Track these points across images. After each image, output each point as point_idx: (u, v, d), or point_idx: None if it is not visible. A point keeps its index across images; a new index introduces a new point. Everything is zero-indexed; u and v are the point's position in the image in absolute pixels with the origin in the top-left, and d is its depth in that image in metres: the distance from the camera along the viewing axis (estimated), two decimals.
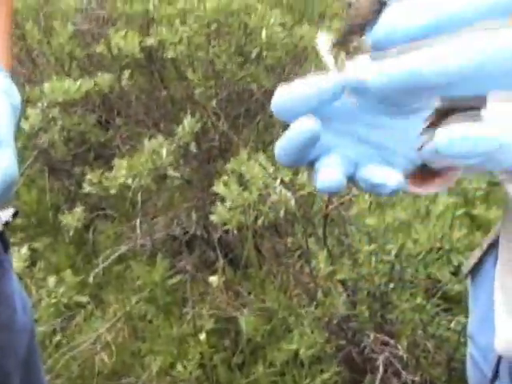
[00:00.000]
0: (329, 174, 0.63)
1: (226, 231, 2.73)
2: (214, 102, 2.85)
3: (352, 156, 0.65)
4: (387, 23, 0.52)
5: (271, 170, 2.30)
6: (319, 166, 0.64)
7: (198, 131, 2.81)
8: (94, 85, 3.00)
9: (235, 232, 2.54)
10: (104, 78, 2.95)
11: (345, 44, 0.59)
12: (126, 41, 2.77)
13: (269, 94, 2.99)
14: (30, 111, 3.06)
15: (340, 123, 0.65)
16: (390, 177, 0.63)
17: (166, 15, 2.86)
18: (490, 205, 2.38)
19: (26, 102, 3.21)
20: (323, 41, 0.63)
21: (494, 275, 0.97)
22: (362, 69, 0.59)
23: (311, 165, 0.65)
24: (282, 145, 0.63)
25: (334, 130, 0.65)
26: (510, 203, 0.89)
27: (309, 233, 2.43)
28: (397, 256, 2.15)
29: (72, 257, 3.16)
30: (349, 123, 0.65)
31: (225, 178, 2.38)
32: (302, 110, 0.61)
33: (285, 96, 0.61)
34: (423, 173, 0.84)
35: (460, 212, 2.26)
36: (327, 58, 0.63)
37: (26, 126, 3.08)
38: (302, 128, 0.61)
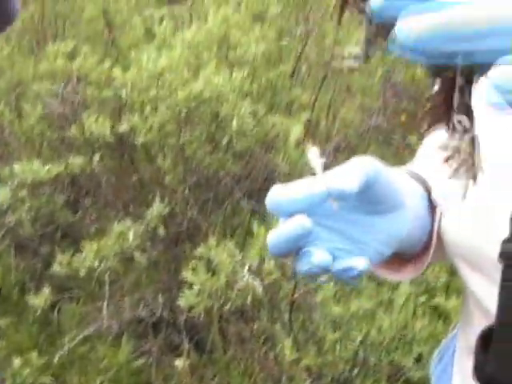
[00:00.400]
0: (319, 255, 0.74)
1: (193, 315, 2.77)
2: (182, 187, 2.91)
3: (332, 247, 0.77)
4: None
5: (239, 256, 2.36)
6: (306, 251, 0.75)
7: (166, 215, 2.87)
8: (65, 168, 3.06)
9: (202, 316, 2.58)
10: (75, 161, 3.01)
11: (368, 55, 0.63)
12: (98, 125, 2.84)
13: (236, 179, 3.07)
14: None
15: (325, 219, 0.77)
16: (358, 261, 0.75)
17: (138, 101, 2.93)
18: (449, 294, 2.45)
19: None
20: (314, 151, 0.76)
21: (453, 361, 1.04)
22: (345, 177, 0.72)
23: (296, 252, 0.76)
24: (276, 238, 0.75)
25: (319, 225, 0.76)
26: (465, 291, 0.96)
27: (275, 318, 2.47)
28: (361, 343, 2.21)
29: (36, 336, 3.15)
30: (332, 220, 0.78)
31: (193, 263, 2.43)
32: (293, 209, 0.73)
33: (280, 196, 0.74)
34: (396, 261, 0.93)
35: (421, 301, 2.33)
36: (317, 166, 0.75)
37: None
38: (296, 225, 0.73)
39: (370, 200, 0.77)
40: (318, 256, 0.74)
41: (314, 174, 0.75)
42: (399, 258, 0.93)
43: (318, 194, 0.73)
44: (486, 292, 0.87)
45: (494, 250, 0.81)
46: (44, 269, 3.16)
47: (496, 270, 0.82)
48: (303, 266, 0.75)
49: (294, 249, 0.75)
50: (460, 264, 0.92)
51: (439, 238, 0.93)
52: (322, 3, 3.62)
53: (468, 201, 0.84)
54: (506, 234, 0.80)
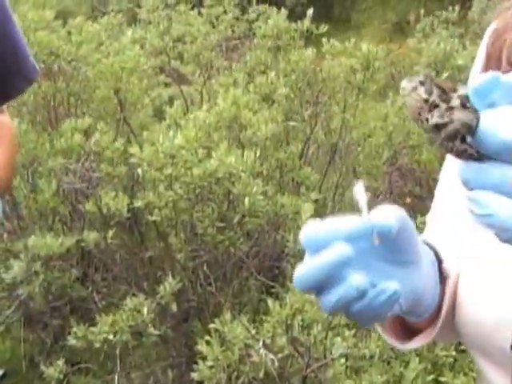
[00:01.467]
0: (357, 277, 0.72)
1: None
2: (193, 264, 2.99)
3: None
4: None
5: (253, 331, 2.42)
6: (342, 276, 0.73)
7: (177, 291, 2.93)
8: (77, 241, 3.14)
9: None
10: (89, 235, 3.09)
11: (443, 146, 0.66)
12: (115, 201, 2.92)
13: (246, 257, 3.14)
14: (12, 262, 3.18)
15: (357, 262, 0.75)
16: (391, 284, 0.74)
17: (153, 178, 3.02)
18: (457, 372, 2.50)
19: (8, 252, 3.33)
20: (359, 187, 0.76)
21: None
22: (388, 213, 0.73)
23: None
24: (312, 266, 0.73)
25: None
26: (479, 373, 0.99)
27: None
28: None
29: None
30: (359, 264, 0.76)
31: (207, 337, 2.49)
32: (331, 241, 0.72)
33: (318, 228, 0.73)
34: (404, 331, 0.95)
35: (430, 378, 2.38)
36: (362, 202, 0.75)
37: (7, 276, 3.19)
38: (337, 251, 0.72)
39: (395, 247, 0.78)
40: (356, 278, 0.72)
41: (359, 210, 0.75)
42: (405, 328, 0.95)
43: (361, 227, 0.73)
44: (498, 380, 0.90)
45: (505, 340, 0.84)
46: (55, 341, 3.21)
47: (504, 358, 0.86)
48: (338, 292, 0.73)
49: (326, 280, 0.73)
50: (472, 350, 0.94)
51: (449, 317, 0.93)
52: (329, 88, 3.74)
53: (484, 283, 0.89)
54: None
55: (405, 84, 0.64)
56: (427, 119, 0.62)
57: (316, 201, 3.24)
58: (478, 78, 0.59)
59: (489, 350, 0.89)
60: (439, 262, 0.92)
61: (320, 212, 3.28)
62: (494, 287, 0.88)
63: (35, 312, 3.34)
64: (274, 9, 4.57)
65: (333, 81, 3.76)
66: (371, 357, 2.28)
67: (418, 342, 0.95)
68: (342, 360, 2.35)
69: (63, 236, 3.20)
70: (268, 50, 4.27)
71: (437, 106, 0.61)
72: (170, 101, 4.62)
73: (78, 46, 4.12)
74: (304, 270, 0.73)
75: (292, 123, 3.70)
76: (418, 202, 3.37)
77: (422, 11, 5.34)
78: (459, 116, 0.60)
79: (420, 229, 0.96)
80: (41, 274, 3.17)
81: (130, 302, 2.78)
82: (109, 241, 3.06)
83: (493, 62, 0.96)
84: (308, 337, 2.40)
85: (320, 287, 0.74)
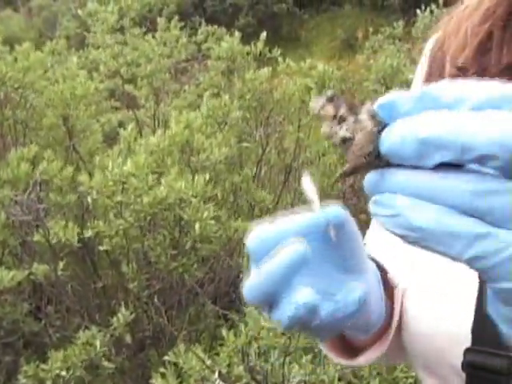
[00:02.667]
0: (304, 292, 0.63)
1: None
2: (147, 293, 2.91)
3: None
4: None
5: (208, 361, 2.35)
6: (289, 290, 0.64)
7: (131, 321, 2.86)
8: (29, 274, 3.05)
9: None
10: (39, 268, 3.00)
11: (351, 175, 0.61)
12: (65, 231, 2.84)
13: (201, 284, 3.07)
14: None
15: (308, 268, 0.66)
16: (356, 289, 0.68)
17: (102, 206, 2.95)
18: None
19: None
20: (307, 179, 0.69)
21: None
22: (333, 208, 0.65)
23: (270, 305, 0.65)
24: (258, 275, 0.63)
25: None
26: None
27: None
28: None
29: None
30: (308, 269, 0.66)
31: (162, 369, 2.42)
32: (280, 241, 0.63)
33: (266, 229, 0.64)
34: (345, 351, 0.90)
35: None
36: (311, 194, 0.68)
37: None
38: (291, 251, 0.62)
39: (346, 248, 0.69)
40: (303, 294, 0.63)
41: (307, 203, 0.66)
42: (345, 347, 0.89)
43: (314, 220, 0.65)
44: None
45: (456, 357, 0.80)
46: (8, 379, 3.11)
47: (454, 376, 0.81)
48: (286, 311, 0.64)
49: (275, 292, 0.64)
50: (415, 364, 0.90)
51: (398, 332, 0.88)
52: (283, 108, 3.71)
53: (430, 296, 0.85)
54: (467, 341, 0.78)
55: (313, 103, 0.60)
56: (336, 134, 0.58)
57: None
58: (398, 93, 0.56)
59: (438, 369, 0.85)
60: (383, 272, 0.86)
61: None
62: (446, 301, 0.84)
63: None
64: (224, 30, 4.55)
65: (288, 100, 3.73)
66: (331, 382, 2.22)
67: (368, 357, 0.89)
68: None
69: (15, 269, 3.11)
70: (221, 73, 4.25)
71: (345, 120, 0.58)
72: (120, 126, 4.56)
73: (24, 72, 4.05)
74: (251, 281, 0.64)
75: (245, 144, 3.66)
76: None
77: (371, 29, 5.36)
78: (366, 129, 0.57)
79: None
80: None
81: (82, 335, 2.69)
82: (59, 272, 2.97)
83: (435, 69, 0.95)
84: (265, 364, 2.34)
85: (271, 300, 0.65)
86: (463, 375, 0.80)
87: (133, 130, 3.35)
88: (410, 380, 2.52)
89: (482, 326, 0.78)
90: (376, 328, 0.84)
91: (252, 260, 0.66)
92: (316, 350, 2.34)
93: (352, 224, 0.69)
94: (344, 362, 0.90)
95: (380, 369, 2.50)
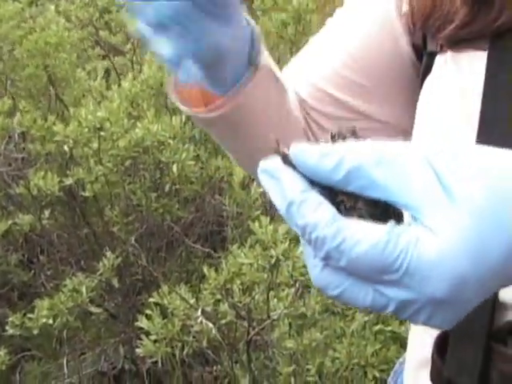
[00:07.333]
0: None
1: (155, 363, 2.75)
2: (133, 237, 2.91)
3: None
4: None
5: (192, 301, 2.36)
6: None
7: (121, 266, 2.86)
8: (14, 224, 3.05)
9: (163, 363, 2.57)
10: (24, 218, 3.00)
11: None
12: (45, 181, 2.83)
13: (188, 225, 3.07)
14: None
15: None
16: None
17: (83, 155, 2.93)
18: (402, 321, 2.46)
19: None
20: None
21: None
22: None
23: None
24: None
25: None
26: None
27: (235, 360, 2.47)
28: (319, 375, 2.21)
29: None
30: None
31: (148, 311, 2.43)
32: None
33: None
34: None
35: (376, 328, 2.33)
36: None
37: None
38: None
39: None
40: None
41: None
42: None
43: None
44: None
45: None
46: (2, 330, 3.13)
47: None
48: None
49: None
50: None
51: None
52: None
53: None
54: None
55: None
56: None
57: None
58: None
59: None
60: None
61: None
62: None
63: None
64: None
65: (266, 37, 3.68)
66: (312, 314, 2.23)
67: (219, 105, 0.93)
68: (286, 320, 2.30)
69: (4, 221, 3.09)
70: None
71: None
72: (107, 73, 4.50)
73: None
74: None
75: None
76: None
77: None
78: None
79: None
80: None
81: (69, 282, 2.70)
82: (44, 221, 2.98)
83: None
84: (249, 299, 2.35)
85: None
86: None
87: (102, 79, 3.32)
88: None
89: None
90: (233, 82, 0.91)
91: None
92: (298, 284, 2.34)
93: None
94: (202, 114, 0.95)
95: None
